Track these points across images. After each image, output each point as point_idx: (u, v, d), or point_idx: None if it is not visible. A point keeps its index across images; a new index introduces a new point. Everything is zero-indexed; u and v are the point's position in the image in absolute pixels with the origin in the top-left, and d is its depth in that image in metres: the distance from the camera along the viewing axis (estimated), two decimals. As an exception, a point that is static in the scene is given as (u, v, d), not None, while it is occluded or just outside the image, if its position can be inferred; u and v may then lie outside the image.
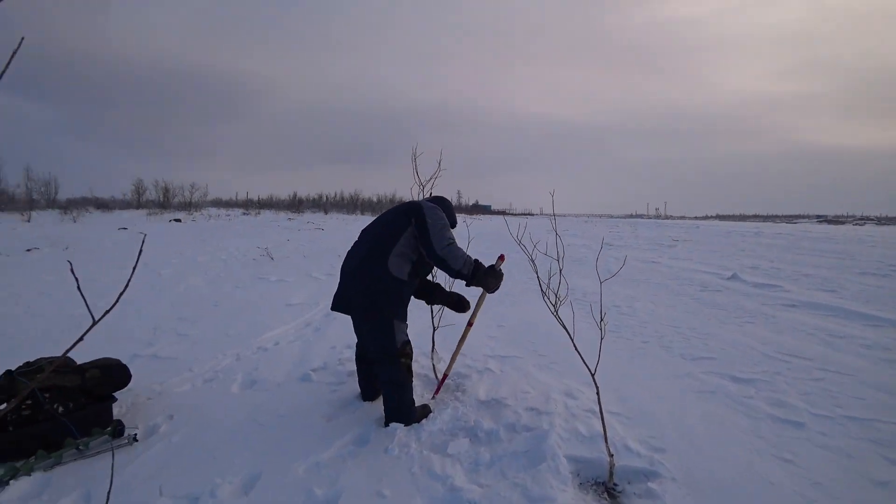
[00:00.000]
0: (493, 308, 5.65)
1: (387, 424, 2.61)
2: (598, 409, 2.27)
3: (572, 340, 2.32)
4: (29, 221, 24.03)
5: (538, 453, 2.26)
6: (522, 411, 2.74)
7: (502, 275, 2.74)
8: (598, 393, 2.21)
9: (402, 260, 2.50)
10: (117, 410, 2.83)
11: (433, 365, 3.42)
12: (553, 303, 2.29)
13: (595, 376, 2.22)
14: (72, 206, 36.96)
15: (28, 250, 11.35)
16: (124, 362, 2.88)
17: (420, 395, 3.12)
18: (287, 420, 2.78)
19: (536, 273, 2.42)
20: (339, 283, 2.63)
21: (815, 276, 7.85)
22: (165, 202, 45.87)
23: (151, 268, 8.81)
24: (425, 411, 2.74)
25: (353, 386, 3.20)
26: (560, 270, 2.55)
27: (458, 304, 3.01)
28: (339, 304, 2.60)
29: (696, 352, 3.99)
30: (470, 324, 3.01)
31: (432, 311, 3.53)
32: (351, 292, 2.53)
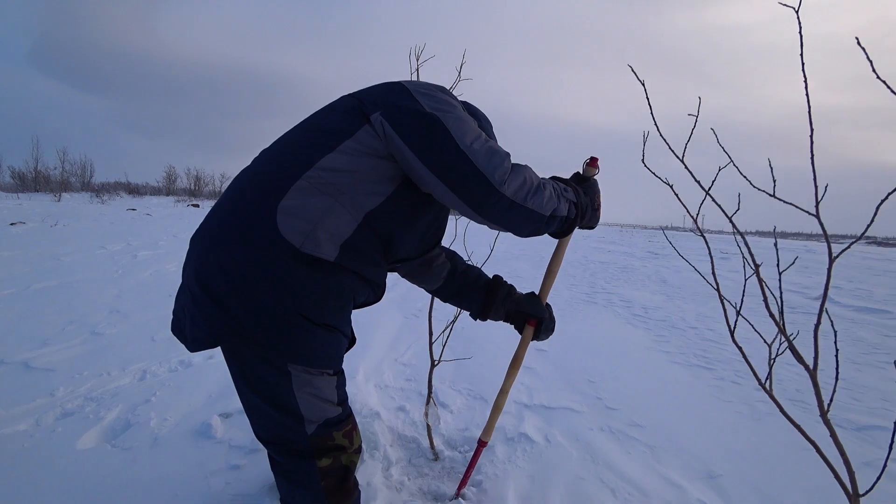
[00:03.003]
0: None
1: None
2: None
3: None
4: (59, 201, 24.54)
5: None
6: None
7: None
8: None
9: (330, 199, 0.97)
10: None
11: (427, 424, 1.91)
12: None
13: None
14: (104, 189, 37.49)
15: (12, 224, 10.55)
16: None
17: (395, 483, 1.66)
18: None
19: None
20: (183, 277, 1.09)
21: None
22: (196, 190, 46.22)
23: (132, 249, 7.76)
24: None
25: (266, 462, 1.76)
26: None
27: (531, 311, 1.42)
28: (178, 325, 1.10)
29: (852, 415, 2.40)
30: (517, 360, 1.50)
31: (431, 323, 2.00)
32: (199, 297, 1.01)
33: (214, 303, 0.95)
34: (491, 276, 1.49)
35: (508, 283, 1.49)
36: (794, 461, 1.93)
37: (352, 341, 1.19)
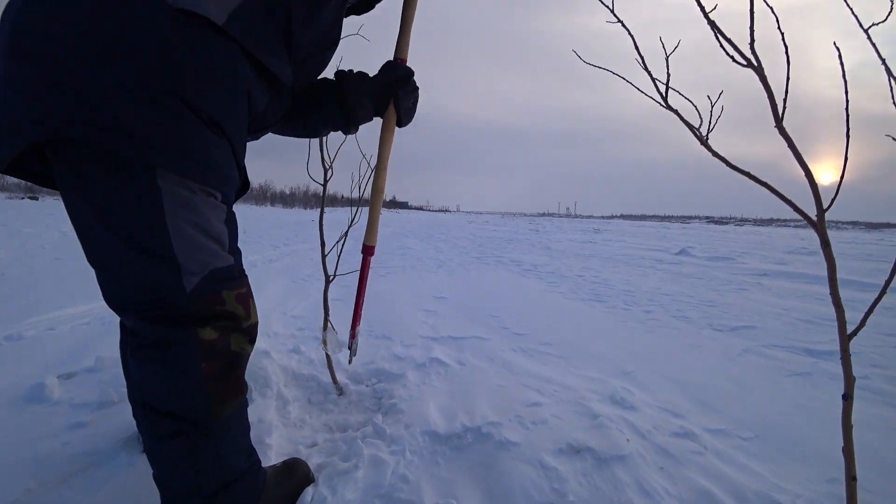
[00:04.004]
0: (419, 278, 4.01)
1: None
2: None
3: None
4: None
5: None
6: (552, 458, 1.09)
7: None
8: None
9: None
10: None
11: (327, 355, 1.63)
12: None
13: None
14: None
15: None
16: None
17: (294, 421, 1.38)
18: None
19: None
20: None
21: (754, 253, 7.42)
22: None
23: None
24: (292, 482, 1.00)
25: (125, 412, 1.35)
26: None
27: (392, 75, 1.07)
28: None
29: (723, 321, 2.64)
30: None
31: (322, 233, 1.69)
32: (15, 70, 0.64)
33: (44, 77, 0.61)
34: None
35: (356, 70, 1.12)
36: (686, 355, 2.04)
37: (245, 182, 0.87)
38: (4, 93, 0.64)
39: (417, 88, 1.12)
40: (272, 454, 1.16)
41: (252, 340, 0.85)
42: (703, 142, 0.91)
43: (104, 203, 0.68)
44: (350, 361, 1.30)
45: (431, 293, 3.28)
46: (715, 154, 0.91)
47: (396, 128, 1.16)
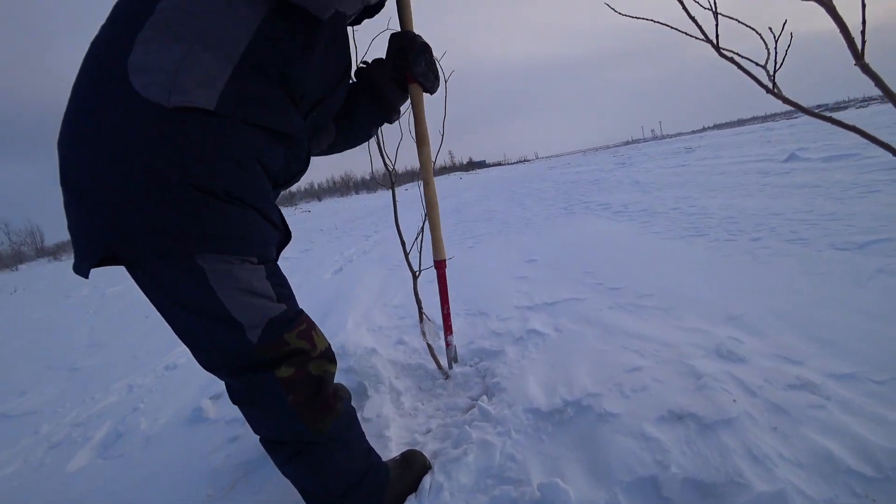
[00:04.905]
0: (507, 242, 4.02)
1: None
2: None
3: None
4: (16, 271, 23.92)
5: None
6: (653, 427, 1.10)
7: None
8: None
9: (188, 43, 0.73)
10: None
11: (427, 345, 1.75)
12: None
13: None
14: (60, 249, 36.10)
15: None
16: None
17: (408, 411, 1.52)
18: None
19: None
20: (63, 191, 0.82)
21: (886, 140, 6.09)
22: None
23: (99, 289, 7.38)
24: (411, 474, 1.12)
25: None
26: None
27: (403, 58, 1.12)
28: (79, 244, 0.82)
29: (848, 237, 2.33)
30: (420, 134, 1.25)
31: (400, 232, 1.78)
32: (73, 206, 0.80)
33: (85, 202, 0.75)
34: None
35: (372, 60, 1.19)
36: (804, 285, 1.85)
37: (285, 234, 0.98)
38: (76, 229, 0.79)
39: (426, 48, 1.13)
40: (392, 445, 1.30)
41: (331, 360, 0.97)
42: (771, 90, 0.83)
43: (169, 289, 0.81)
44: (451, 367, 1.40)
45: (522, 257, 3.30)
46: (787, 101, 0.83)
47: (428, 95, 1.19)
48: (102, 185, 0.73)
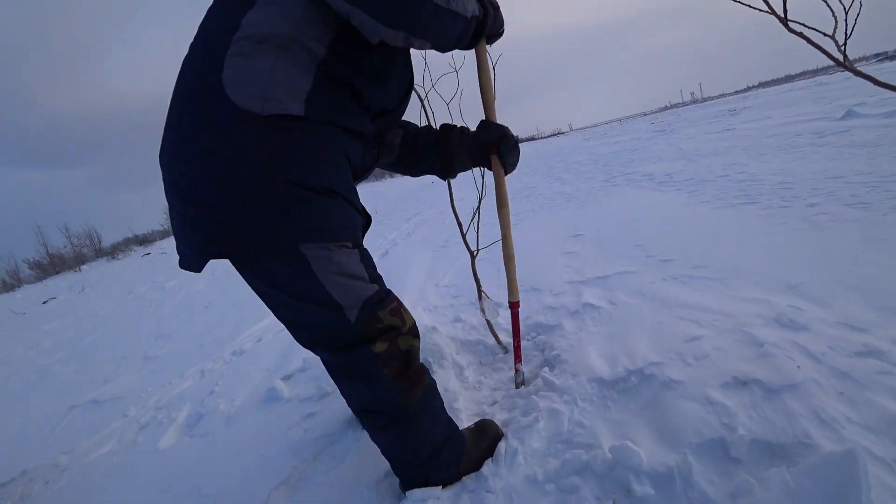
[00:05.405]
0: (551, 218, 4.04)
1: (403, 490, 1.13)
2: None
3: None
4: (80, 272, 25.35)
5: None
6: (718, 393, 1.15)
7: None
8: None
9: (273, 56, 0.83)
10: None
11: (487, 321, 1.84)
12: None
13: None
14: (116, 249, 38.18)
15: (44, 302, 10.84)
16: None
17: (472, 384, 1.61)
18: (216, 502, 1.38)
19: None
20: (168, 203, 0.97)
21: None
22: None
23: (158, 285, 7.86)
24: (486, 440, 1.21)
25: (340, 399, 1.72)
26: None
27: (487, 135, 1.27)
28: (183, 258, 0.94)
29: None
30: (500, 197, 1.38)
31: (456, 214, 1.84)
32: (182, 210, 0.89)
33: (198, 207, 0.85)
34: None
35: (459, 125, 1.34)
36: (867, 251, 1.82)
37: (367, 218, 1.08)
38: (186, 229, 0.89)
39: (517, 144, 1.29)
40: (462, 417, 1.40)
41: (416, 336, 1.07)
42: (841, 62, 0.85)
43: (275, 279, 0.91)
44: (517, 387, 1.51)
45: (567, 232, 3.32)
46: (859, 73, 0.84)
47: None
48: (214, 191, 0.83)
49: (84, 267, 29.46)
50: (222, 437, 1.81)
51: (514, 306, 1.49)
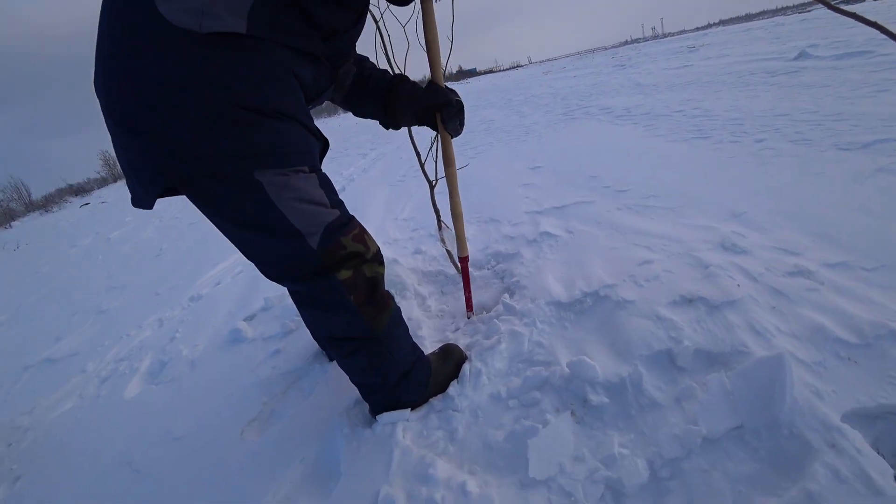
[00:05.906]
0: (509, 151, 4.03)
1: (373, 414, 1.18)
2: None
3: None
4: (10, 229, 23.25)
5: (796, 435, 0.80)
6: (666, 310, 1.23)
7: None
8: None
9: None
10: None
11: (447, 251, 1.86)
12: None
13: None
14: (49, 201, 35.18)
15: None
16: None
17: (435, 313, 1.66)
18: (189, 443, 1.39)
19: None
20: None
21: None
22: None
23: (101, 236, 7.38)
24: (451, 363, 1.26)
25: (304, 335, 1.74)
26: None
27: (433, 100, 1.22)
28: (132, 192, 0.89)
29: (852, 137, 2.38)
30: (446, 158, 1.34)
31: (415, 145, 1.82)
32: (124, 140, 0.82)
33: (140, 135, 0.78)
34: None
35: (412, 80, 1.27)
36: (805, 184, 1.93)
37: (324, 142, 1.03)
38: (131, 159, 0.83)
39: (461, 110, 1.24)
40: (427, 343, 1.44)
41: (381, 263, 1.06)
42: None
43: (231, 212, 0.87)
44: (468, 318, 1.55)
45: (525, 165, 3.34)
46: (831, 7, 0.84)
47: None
48: (155, 117, 0.76)
49: (14, 223, 27.35)
50: (188, 381, 1.76)
51: (463, 261, 1.51)
